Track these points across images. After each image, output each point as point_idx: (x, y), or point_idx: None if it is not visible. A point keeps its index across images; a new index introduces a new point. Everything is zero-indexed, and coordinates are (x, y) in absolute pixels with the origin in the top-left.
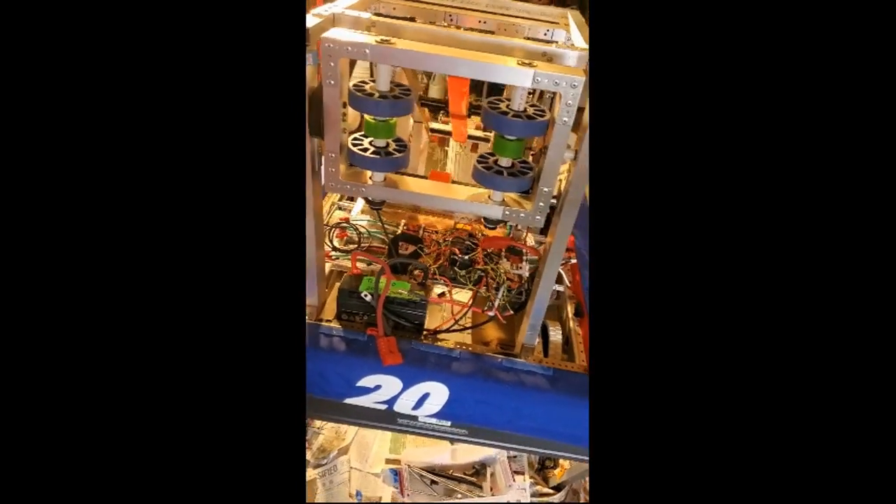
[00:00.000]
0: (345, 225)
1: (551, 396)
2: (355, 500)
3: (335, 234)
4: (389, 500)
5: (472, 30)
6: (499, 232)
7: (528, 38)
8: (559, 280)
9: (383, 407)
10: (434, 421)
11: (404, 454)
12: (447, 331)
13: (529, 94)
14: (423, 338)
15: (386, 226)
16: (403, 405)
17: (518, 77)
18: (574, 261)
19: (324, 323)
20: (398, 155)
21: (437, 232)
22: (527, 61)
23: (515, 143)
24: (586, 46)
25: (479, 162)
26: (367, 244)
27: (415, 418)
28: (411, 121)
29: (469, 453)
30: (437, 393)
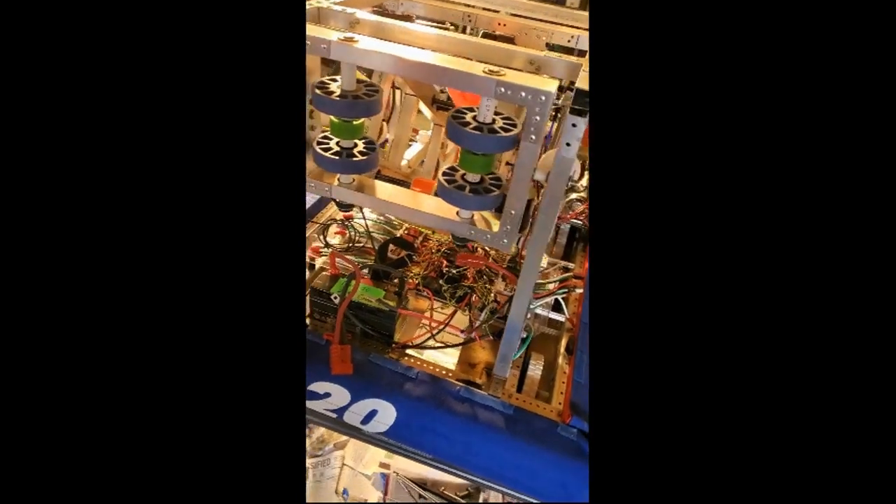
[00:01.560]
0: (346, 222)
1: (505, 438)
2: (341, 498)
3: (335, 231)
4: (380, 501)
5: (490, 35)
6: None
7: (548, 45)
8: (559, 309)
9: (334, 416)
10: (387, 439)
11: (396, 460)
12: (418, 346)
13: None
14: (390, 351)
15: (388, 227)
16: (352, 417)
17: (480, 86)
18: (581, 290)
19: None
20: (360, 158)
21: (433, 240)
22: (494, 69)
23: (482, 158)
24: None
25: (443, 175)
26: (362, 244)
27: (366, 433)
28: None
29: None
30: (385, 412)
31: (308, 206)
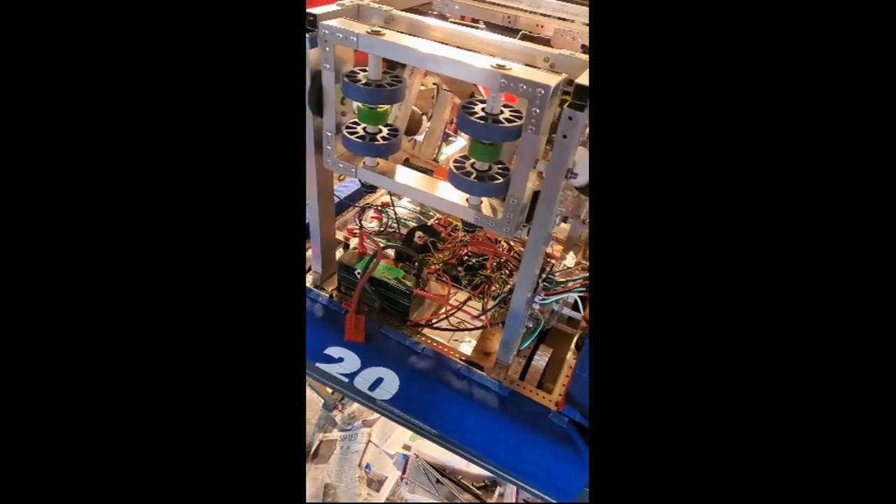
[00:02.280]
0: (383, 209)
1: (496, 417)
2: (363, 472)
3: (371, 216)
4: (394, 484)
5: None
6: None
7: (583, 47)
8: (576, 307)
9: (346, 380)
10: (390, 407)
11: (418, 443)
12: (428, 326)
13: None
14: (404, 327)
15: (421, 216)
16: (361, 383)
17: (486, 78)
18: None
19: (320, 291)
20: (382, 142)
21: (461, 231)
22: (501, 63)
23: (488, 147)
24: None
25: (454, 162)
26: (394, 229)
27: (373, 399)
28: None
29: None
30: (390, 380)
31: (351, 192)
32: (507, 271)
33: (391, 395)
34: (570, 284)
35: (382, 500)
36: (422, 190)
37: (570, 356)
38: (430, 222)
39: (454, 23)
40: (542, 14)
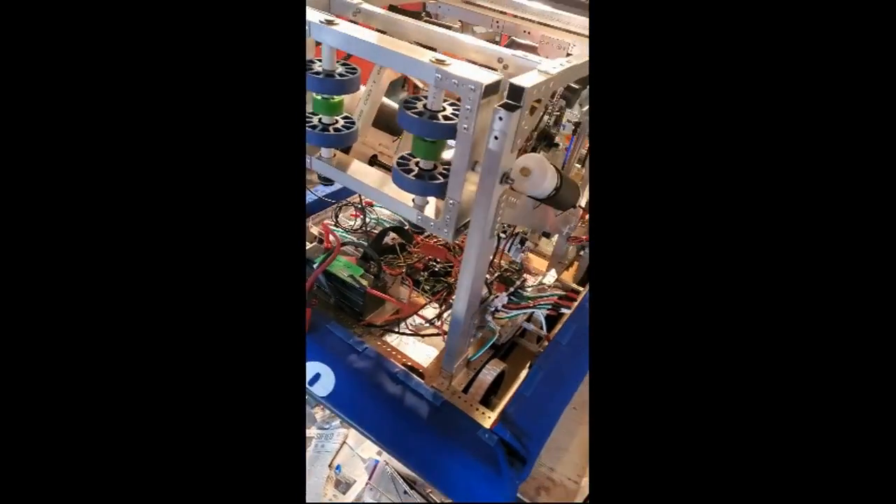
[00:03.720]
0: (367, 208)
1: (422, 426)
2: (333, 472)
3: (352, 213)
4: (361, 487)
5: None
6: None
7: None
8: (541, 325)
9: None
10: (328, 404)
11: None
12: (379, 327)
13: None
14: (356, 326)
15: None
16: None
17: (424, 73)
18: (568, 312)
19: None
20: (333, 132)
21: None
22: (441, 59)
23: (426, 144)
24: (563, 64)
25: (399, 160)
26: (370, 228)
27: (312, 394)
28: None
29: None
30: (326, 377)
31: (338, 189)
32: None
33: (328, 391)
34: (538, 300)
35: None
36: (371, 186)
37: (525, 373)
38: (408, 226)
39: (431, 22)
40: (530, 20)
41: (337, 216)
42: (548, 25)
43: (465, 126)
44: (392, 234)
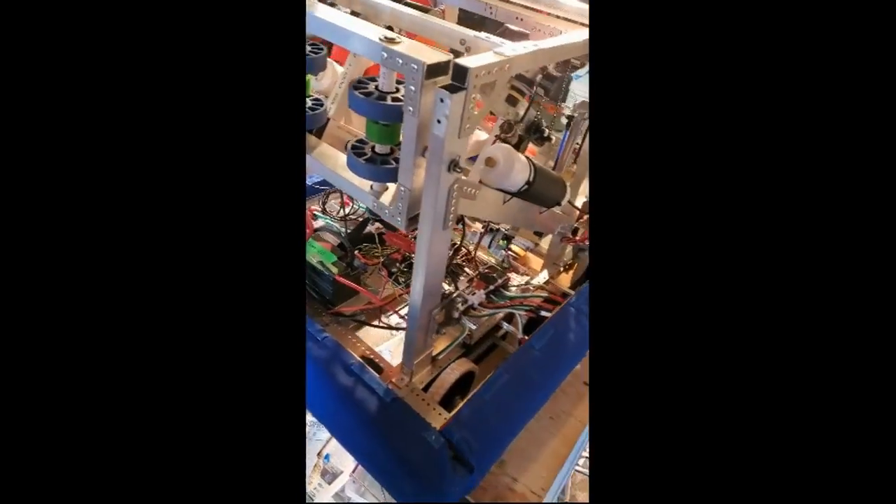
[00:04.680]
0: None
1: (368, 420)
2: (321, 461)
3: (342, 202)
4: (348, 477)
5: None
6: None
7: None
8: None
9: None
10: None
11: None
12: (348, 317)
13: None
14: (323, 314)
15: None
16: None
17: (370, 51)
18: (549, 315)
19: None
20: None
21: None
22: (391, 37)
23: (380, 127)
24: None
25: (354, 143)
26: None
27: None
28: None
29: None
30: None
31: None
32: (451, 277)
33: None
34: (517, 301)
35: (331, 495)
36: (331, 169)
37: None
38: None
39: (409, 5)
40: (529, 7)
41: (324, 203)
42: (543, 13)
43: (410, 108)
44: (377, 224)
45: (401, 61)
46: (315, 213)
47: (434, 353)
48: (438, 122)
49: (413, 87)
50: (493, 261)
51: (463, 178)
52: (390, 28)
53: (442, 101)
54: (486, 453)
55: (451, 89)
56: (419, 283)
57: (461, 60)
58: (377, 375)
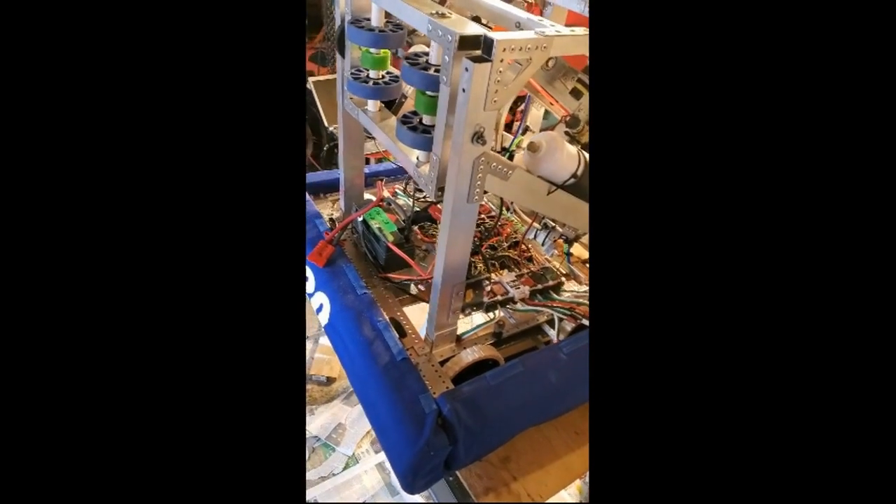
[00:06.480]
0: None
1: (377, 371)
2: None
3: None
4: None
5: None
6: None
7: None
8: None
9: (309, 297)
10: (326, 332)
11: None
12: (392, 282)
13: None
14: (375, 276)
15: None
16: (314, 302)
17: (420, 24)
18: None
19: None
20: (373, 86)
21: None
22: (442, 12)
23: (427, 98)
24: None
25: (404, 114)
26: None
27: (319, 321)
28: None
29: None
30: (327, 309)
31: None
32: (499, 265)
33: (326, 322)
34: (559, 303)
35: (374, 463)
36: (390, 140)
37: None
38: None
39: None
40: None
41: (406, 184)
42: None
43: (444, 77)
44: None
45: (440, 33)
46: (397, 191)
47: (459, 332)
48: (463, 90)
49: (447, 58)
50: (556, 264)
51: (492, 153)
52: (477, 19)
53: (466, 70)
54: (478, 435)
55: (477, 60)
56: (441, 256)
57: (490, 34)
58: (397, 336)
